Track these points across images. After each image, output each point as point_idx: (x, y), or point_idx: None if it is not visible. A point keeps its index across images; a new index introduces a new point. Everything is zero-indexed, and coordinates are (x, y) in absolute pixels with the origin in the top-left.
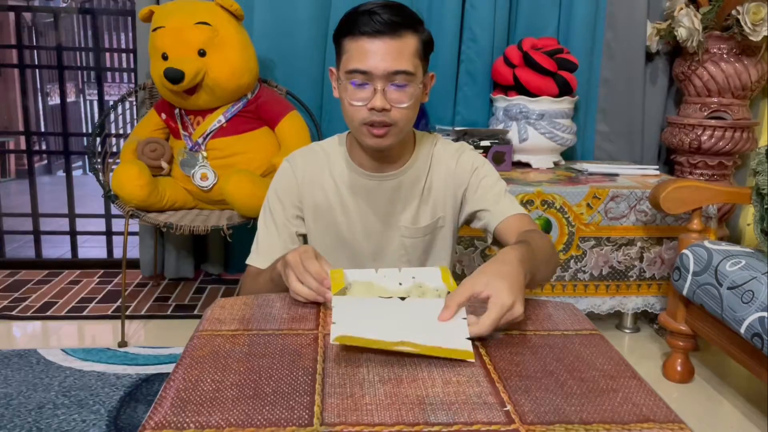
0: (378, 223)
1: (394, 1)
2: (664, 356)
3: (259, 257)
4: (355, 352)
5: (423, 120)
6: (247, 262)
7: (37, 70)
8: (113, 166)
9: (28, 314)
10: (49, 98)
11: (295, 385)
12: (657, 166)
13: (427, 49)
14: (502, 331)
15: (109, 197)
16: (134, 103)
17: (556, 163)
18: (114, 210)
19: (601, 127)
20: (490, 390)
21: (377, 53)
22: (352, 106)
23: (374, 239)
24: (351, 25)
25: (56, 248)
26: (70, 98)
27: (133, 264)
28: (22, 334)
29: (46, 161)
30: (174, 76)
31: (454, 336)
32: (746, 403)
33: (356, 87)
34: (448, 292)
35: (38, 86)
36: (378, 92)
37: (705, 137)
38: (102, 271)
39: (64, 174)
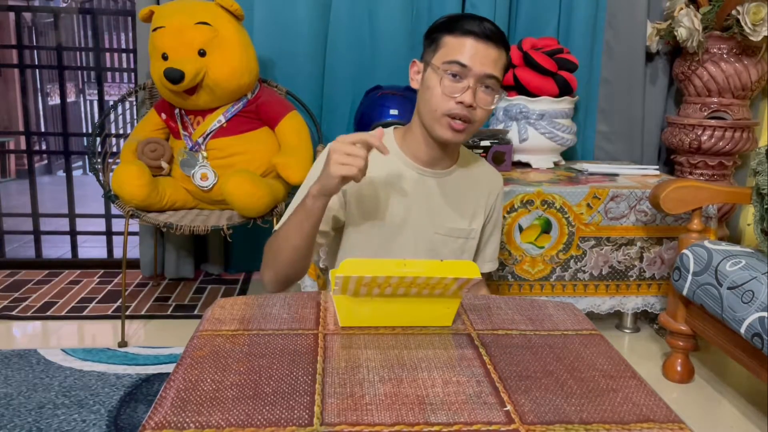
0: (415, 218)
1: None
2: (664, 356)
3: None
4: (355, 351)
5: None
6: (276, 227)
7: (37, 70)
8: (113, 166)
9: (28, 314)
10: (49, 98)
11: (295, 385)
12: (657, 166)
13: (506, 69)
14: (503, 331)
15: (109, 197)
16: (134, 103)
17: (556, 163)
18: (114, 210)
19: (601, 127)
20: (490, 390)
21: (479, 54)
22: (442, 96)
23: (407, 234)
24: (457, 24)
25: (56, 248)
26: (70, 98)
27: (133, 264)
28: (22, 334)
29: (46, 161)
30: (174, 76)
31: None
32: (746, 403)
33: (452, 79)
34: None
35: (38, 86)
36: (470, 89)
37: (705, 137)
38: (102, 271)
39: (64, 174)
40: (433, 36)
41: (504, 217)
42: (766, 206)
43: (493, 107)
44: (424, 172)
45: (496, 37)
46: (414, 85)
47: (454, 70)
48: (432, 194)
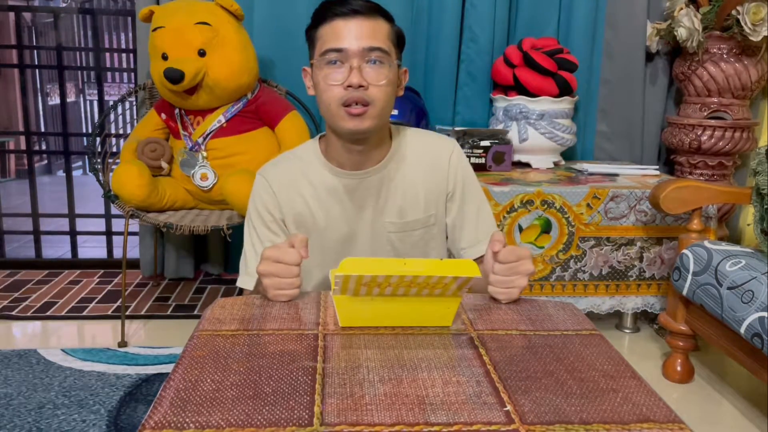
0: (363, 224)
1: None
2: (664, 356)
3: (250, 279)
4: (355, 351)
5: (423, 120)
6: (238, 284)
7: (37, 70)
8: (113, 166)
9: (28, 314)
10: (49, 98)
11: (295, 385)
12: (657, 166)
13: (399, 41)
14: (503, 331)
15: (109, 197)
16: (134, 103)
17: (556, 163)
18: (114, 210)
19: (601, 127)
20: (490, 390)
21: (352, 31)
22: (327, 86)
23: (361, 240)
24: (324, 14)
25: (56, 248)
26: (70, 98)
27: (133, 264)
28: (22, 334)
29: (46, 161)
30: (174, 76)
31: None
32: (746, 403)
33: (331, 67)
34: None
35: (38, 86)
36: (354, 69)
37: (705, 137)
38: (102, 271)
39: (64, 174)
40: (308, 35)
41: (504, 216)
42: (766, 206)
43: (387, 80)
44: (354, 175)
45: (365, 8)
46: (310, 92)
47: (332, 58)
48: (370, 195)
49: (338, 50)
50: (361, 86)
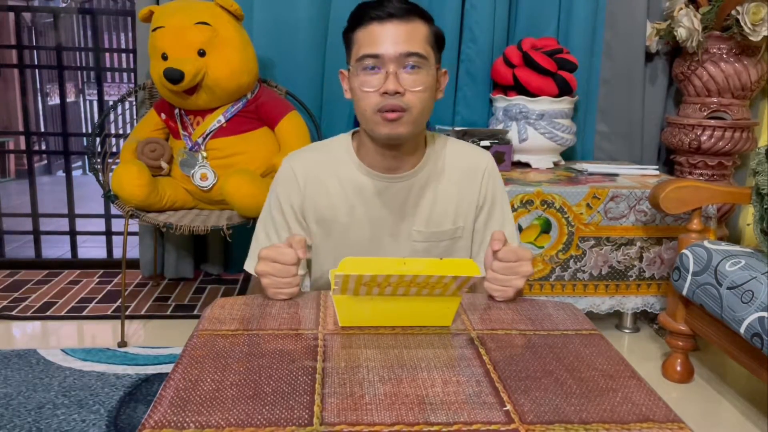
0: (388, 228)
1: None
2: (663, 356)
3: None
4: (354, 350)
5: None
6: (245, 267)
7: (36, 70)
8: (113, 166)
9: (28, 314)
10: (48, 98)
11: (295, 385)
12: (657, 166)
13: (438, 42)
14: (503, 331)
15: (109, 197)
16: (134, 103)
17: (555, 163)
18: (114, 210)
19: (601, 127)
20: (489, 390)
21: (388, 36)
22: (363, 93)
23: (384, 245)
24: (360, 16)
25: (56, 248)
26: (70, 98)
27: (133, 264)
28: (22, 334)
29: (45, 161)
30: (174, 76)
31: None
32: (746, 403)
33: (368, 73)
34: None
35: (38, 86)
36: (390, 75)
37: (705, 137)
38: (102, 271)
39: (64, 174)
40: (346, 37)
41: None
42: (765, 206)
43: (424, 86)
44: (384, 178)
45: (404, 11)
46: (347, 96)
47: (368, 64)
48: (398, 201)
49: (374, 56)
50: (397, 92)
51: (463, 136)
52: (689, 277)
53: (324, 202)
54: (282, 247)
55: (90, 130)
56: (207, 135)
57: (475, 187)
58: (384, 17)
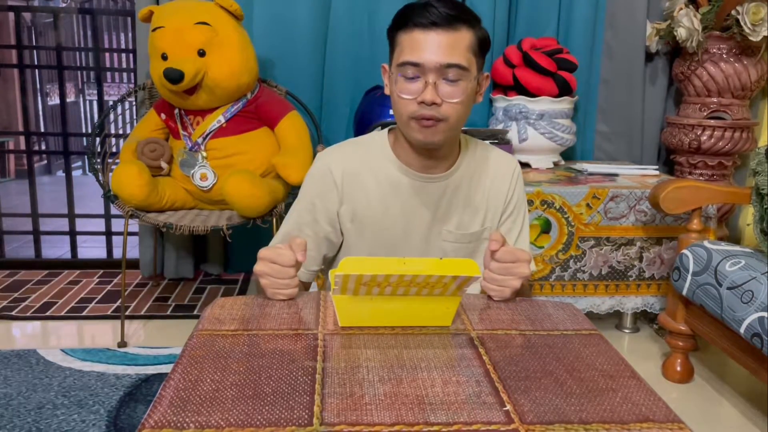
0: (420, 227)
1: None
2: (663, 356)
3: None
4: (354, 351)
5: None
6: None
7: (36, 70)
8: (113, 166)
9: (28, 314)
10: (48, 98)
11: (295, 385)
12: (656, 166)
13: (483, 46)
14: (503, 331)
15: (109, 197)
16: (134, 103)
17: (555, 163)
18: (114, 210)
19: (601, 127)
20: (489, 390)
21: (430, 45)
22: (401, 99)
23: (414, 243)
24: (405, 18)
25: (56, 248)
26: (70, 98)
27: (133, 264)
28: (22, 334)
29: (45, 161)
30: (174, 76)
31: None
32: (746, 403)
33: (407, 80)
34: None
35: (38, 86)
36: (429, 86)
37: (705, 137)
38: (102, 271)
39: (64, 174)
40: (390, 35)
41: None
42: (765, 206)
43: (463, 97)
44: (422, 178)
45: (448, 19)
46: (387, 91)
47: (408, 73)
48: (432, 200)
49: (415, 64)
50: (434, 103)
51: None
52: (689, 277)
53: (361, 198)
54: (281, 248)
55: (90, 130)
56: (207, 135)
57: (504, 191)
58: (427, 25)
